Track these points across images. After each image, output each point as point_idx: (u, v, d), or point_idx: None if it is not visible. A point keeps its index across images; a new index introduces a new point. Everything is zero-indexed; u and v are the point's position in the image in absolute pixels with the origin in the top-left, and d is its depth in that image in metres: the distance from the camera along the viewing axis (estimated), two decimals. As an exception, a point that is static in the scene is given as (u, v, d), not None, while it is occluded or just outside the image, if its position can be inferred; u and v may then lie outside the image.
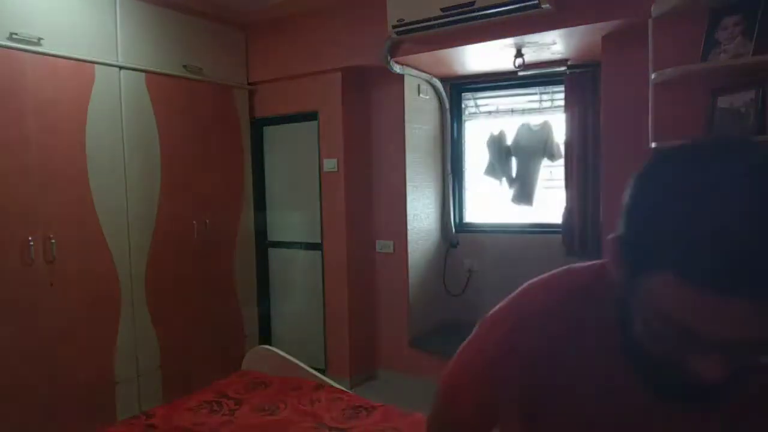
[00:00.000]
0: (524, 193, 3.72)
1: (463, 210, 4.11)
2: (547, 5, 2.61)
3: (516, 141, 3.73)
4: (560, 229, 3.52)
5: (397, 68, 3.36)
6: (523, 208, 3.79)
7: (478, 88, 3.99)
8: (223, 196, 3.65)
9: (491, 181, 3.91)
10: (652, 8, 2.36)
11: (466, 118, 4.08)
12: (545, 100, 3.77)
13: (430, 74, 3.74)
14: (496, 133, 3.82)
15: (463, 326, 3.95)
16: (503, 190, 3.85)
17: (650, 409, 0.66)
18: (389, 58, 3.27)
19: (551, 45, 3.05)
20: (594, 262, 0.75)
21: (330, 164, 3.61)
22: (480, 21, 2.81)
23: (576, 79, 3.38)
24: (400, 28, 2.99)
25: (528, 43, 3.00)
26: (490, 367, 0.77)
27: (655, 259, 0.53)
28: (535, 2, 2.58)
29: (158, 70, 3.18)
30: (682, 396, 0.62)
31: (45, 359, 2.65)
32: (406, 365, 3.66)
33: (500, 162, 3.79)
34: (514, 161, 3.79)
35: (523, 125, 3.73)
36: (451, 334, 3.78)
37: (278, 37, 3.71)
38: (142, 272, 3.10)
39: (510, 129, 3.81)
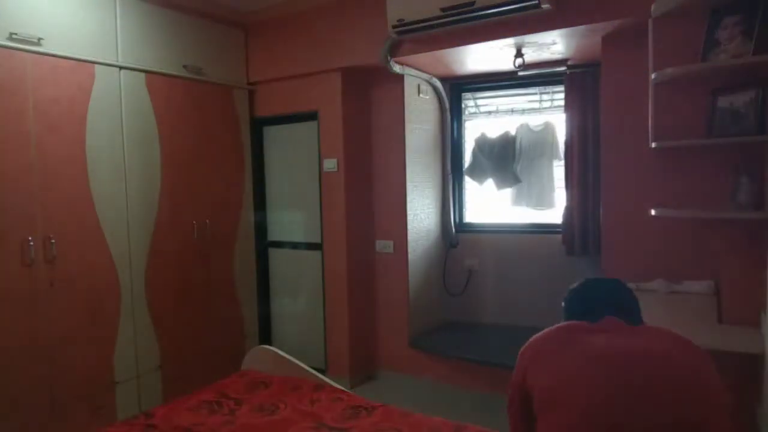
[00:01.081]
0: (533, 195, 3.71)
1: (463, 210, 4.11)
2: (547, 5, 2.61)
3: (518, 142, 3.73)
4: (560, 229, 3.52)
5: (397, 68, 3.36)
6: (522, 209, 3.80)
7: (478, 88, 3.99)
8: (223, 196, 3.65)
9: (473, 183, 3.95)
10: (652, 8, 2.36)
11: (466, 118, 4.08)
12: (545, 100, 3.77)
13: (430, 74, 3.74)
14: (488, 133, 3.84)
15: (463, 326, 3.98)
16: (502, 191, 3.85)
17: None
18: (389, 58, 3.27)
19: (551, 45, 3.05)
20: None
21: (330, 164, 3.61)
22: (480, 21, 2.81)
23: (576, 79, 3.38)
24: (400, 28, 2.99)
25: (528, 43, 3.00)
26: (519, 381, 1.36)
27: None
28: (535, 2, 2.58)
29: (158, 70, 3.18)
30: None
31: (45, 359, 2.65)
32: (406, 365, 3.66)
33: (493, 163, 3.79)
34: (495, 162, 3.79)
35: (522, 125, 3.73)
36: (451, 334, 3.78)
37: (278, 37, 3.71)
38: (142, 272, 3.10)
39: (496, 129, 3.83)
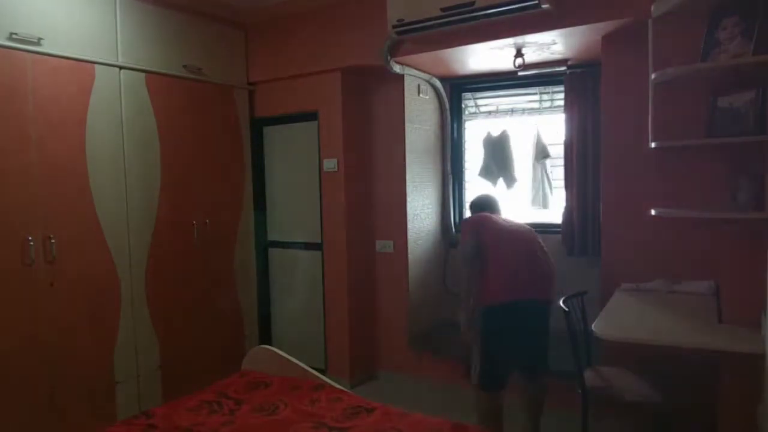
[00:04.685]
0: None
1: (463, 210, 4.11)
2: (547, 5, 2.61)
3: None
4: (560, 229, 3.52)
5: (397, 68, 3.36)
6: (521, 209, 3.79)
7: (478, 88, 3.99)
8: (223, 196, 3.65)
9: (486, 183, 3.92)
10: (652, 8, 2.36)
11: (466, 118, 4.08)
12: (545, 100, 3.77)
13: (430, 74, 3.74)
14: (493, 133, 3.82)
15: (463, 326, 3.96)
16: (505, 191, 3.84)
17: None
18: (389, 58, 3.27)
19: (551, 45, 3.05)
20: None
21: (330, 164, 3.61)
22: (480, 21, 2.81)
23: (576, 79, 3.38)
24: (400, 28, 2.99)
25: (528, 43, 3.00)
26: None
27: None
28: (535, 2, 2.58)
29: (158, 70, 3.18)
30: None
31: (45, 359, 2.65)
32: (406, 365, 3.66)
33: (497, 163, 3.78)
34: (513, 162, 3.79)
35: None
36: (451, 333, 3.77)
37: (278, 37, 3.71)
38: (142, 272, 3.10)
39: (511, 129, 3.82)
